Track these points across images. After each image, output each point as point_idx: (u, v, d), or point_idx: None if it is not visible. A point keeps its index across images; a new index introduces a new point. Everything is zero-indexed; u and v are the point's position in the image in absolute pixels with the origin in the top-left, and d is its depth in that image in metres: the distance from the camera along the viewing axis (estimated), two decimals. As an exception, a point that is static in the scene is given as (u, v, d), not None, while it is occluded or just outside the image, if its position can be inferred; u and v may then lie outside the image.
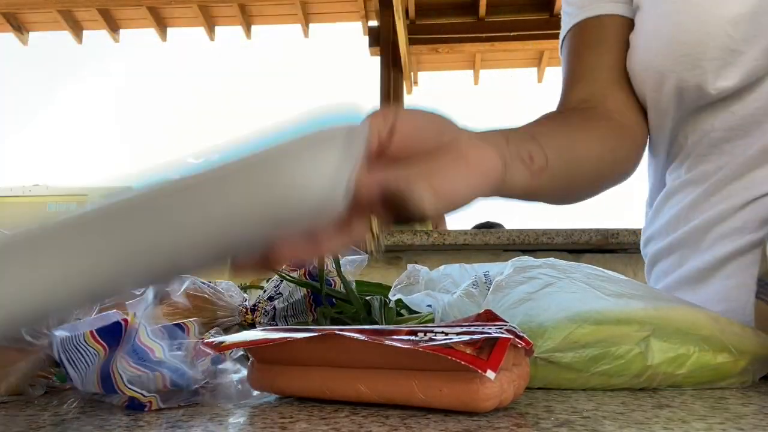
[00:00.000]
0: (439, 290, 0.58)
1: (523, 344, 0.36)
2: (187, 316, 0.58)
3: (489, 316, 0.40)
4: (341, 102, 0.31)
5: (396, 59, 4.28)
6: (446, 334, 0.35)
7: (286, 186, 0.27)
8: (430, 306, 0.54)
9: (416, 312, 0.67)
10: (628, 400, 0.39)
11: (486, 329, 0.36)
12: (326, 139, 0.29)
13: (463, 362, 0.32)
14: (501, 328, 0.36)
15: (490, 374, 0.31)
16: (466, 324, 0.39)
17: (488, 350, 0.33)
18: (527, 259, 0.53)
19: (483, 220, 2.46)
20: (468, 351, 0.32)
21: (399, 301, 0.66)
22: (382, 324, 0.57)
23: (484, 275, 0.54)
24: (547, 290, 0.47)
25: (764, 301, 0.50)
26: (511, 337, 0.34)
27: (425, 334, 0.35)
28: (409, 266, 0.69)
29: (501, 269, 0.53)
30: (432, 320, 0.54)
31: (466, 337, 0.34)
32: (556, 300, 0.46)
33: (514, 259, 0.54)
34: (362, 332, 0.37)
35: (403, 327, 0.38)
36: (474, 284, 0.53)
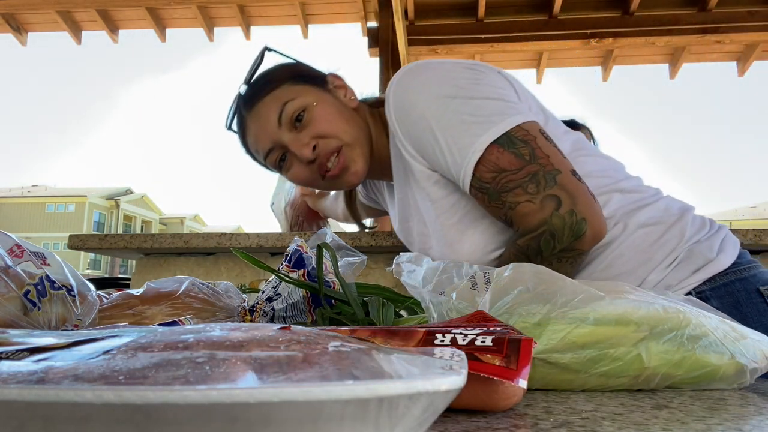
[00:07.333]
0: (436, 283, 0.58)
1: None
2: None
3: (481, 317, 0.40)
4: None
5: (395, 60, 4.28)
6: (465, 335, 0.35)
7: None
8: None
9: (414, 313, 0.67)
10: (626, 401, 0.39)
11: (500, 329, 0.36)
12: None
13: (495, 377, 0.32)
14: (507, 329, 0.36)
15: (522, 383, 0.31)
16: (464, 324, 0.39)
17: (514, 357, 0.32)
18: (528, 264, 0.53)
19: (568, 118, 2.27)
20: (497, 362, 0.32)
21: (395, 302, 0.66)
22: (381, 325, 0.57)
23: (485, 275, 0.54)
24: (543, 290, 0.47)
25: None
26: (532, 338, 0.34)
27: (444, 335, 0.35)
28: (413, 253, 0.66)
29: (502, 271, 0.53)
30: (427, 322, 0.54)
31: (489, 339, 0.34)
32: (552, 300, 0.46)
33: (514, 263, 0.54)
34: (376, 333, 0.36)
35: (418, 328, 0.38)
36: (473, 285, 0.53)
